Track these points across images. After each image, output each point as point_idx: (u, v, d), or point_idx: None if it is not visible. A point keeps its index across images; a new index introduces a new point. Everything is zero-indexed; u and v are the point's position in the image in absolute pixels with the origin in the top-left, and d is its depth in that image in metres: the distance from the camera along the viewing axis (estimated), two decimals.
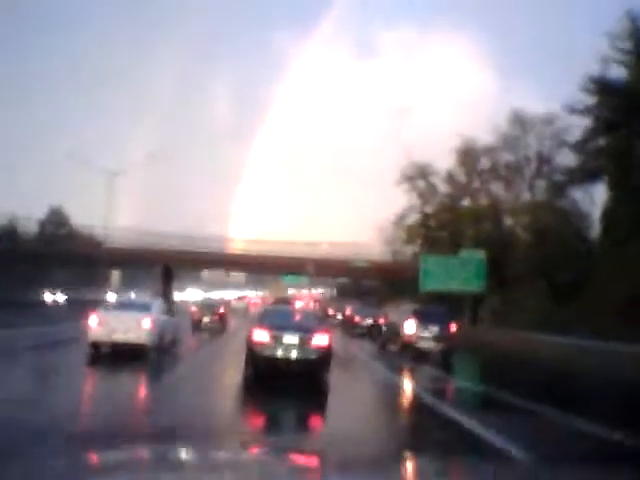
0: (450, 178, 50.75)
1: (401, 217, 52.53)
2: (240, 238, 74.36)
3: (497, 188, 48.99)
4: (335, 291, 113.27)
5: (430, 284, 40.04)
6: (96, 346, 15.79)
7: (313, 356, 12.14)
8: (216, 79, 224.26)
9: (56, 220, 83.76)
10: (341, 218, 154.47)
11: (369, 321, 35.09)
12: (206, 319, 31.31)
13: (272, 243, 62.44)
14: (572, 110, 33.51)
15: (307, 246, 60.69)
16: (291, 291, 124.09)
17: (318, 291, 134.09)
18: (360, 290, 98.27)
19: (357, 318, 37.82)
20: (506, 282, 39.35)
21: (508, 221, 48.05)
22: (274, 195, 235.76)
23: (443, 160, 50.57)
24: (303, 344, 12.09)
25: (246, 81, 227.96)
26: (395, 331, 21.86)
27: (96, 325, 15.67)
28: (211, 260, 61.78)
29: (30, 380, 12.58)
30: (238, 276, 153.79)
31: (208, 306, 33.26)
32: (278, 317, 13.53)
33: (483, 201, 49.42)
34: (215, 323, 31.26)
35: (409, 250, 56.00)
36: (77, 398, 10.57)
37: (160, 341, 16.34)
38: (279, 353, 12.06)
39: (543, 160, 46.42)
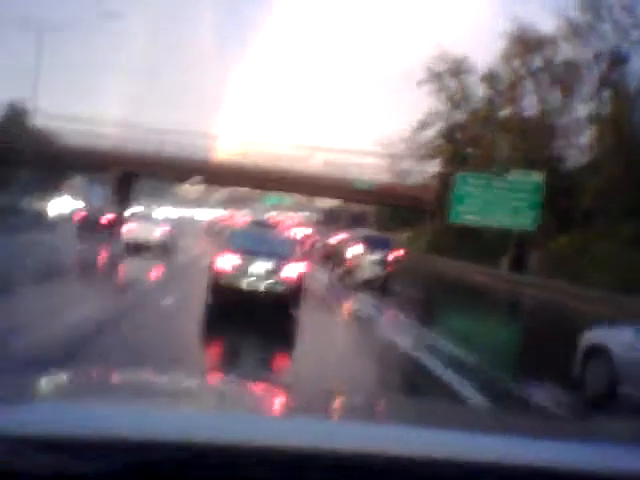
0: (490, 78, 39.04)
1: (422, 125, 41.03)
2: (221, 147, 61.66)
3: (549, 95, 37.52)
4: (322, 216, 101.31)
5: (464, 215, 29.40)
6: (128, 244, 22.76)
7: (284, 288, 10.86)
8: None
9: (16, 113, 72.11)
10: (344, 127, 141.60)
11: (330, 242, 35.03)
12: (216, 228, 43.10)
13: (258, 155, 51.02)
14: None
15: (299, 159, 49.41)
16: (272, 214, 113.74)
17: (303, 215, 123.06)
18: (353, 217, 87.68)
19: (315, 239, 37.42)
20: (570, 221, 28.70)
21: (560, 141, 36.79)
22: (268, 101, 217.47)
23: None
24: (273, 274, 10.86)
25: None
26: (343, 255, 21.84)
27: (128, 231, 23.36)
28: (183, 169, 49.79)
29: None
30: (217, 193, 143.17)
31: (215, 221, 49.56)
32: (247, 241, 12.01)
33: (530, 112, 37.98)
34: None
35: (423, 170, 44.98)
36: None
37: (167, 242, 23.78)
38: (246, 283, 10.81)
39: (619, 59, 34.92)
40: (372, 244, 20.83)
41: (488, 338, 13.64)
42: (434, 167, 43.46)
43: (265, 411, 1.84)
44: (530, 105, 37.54)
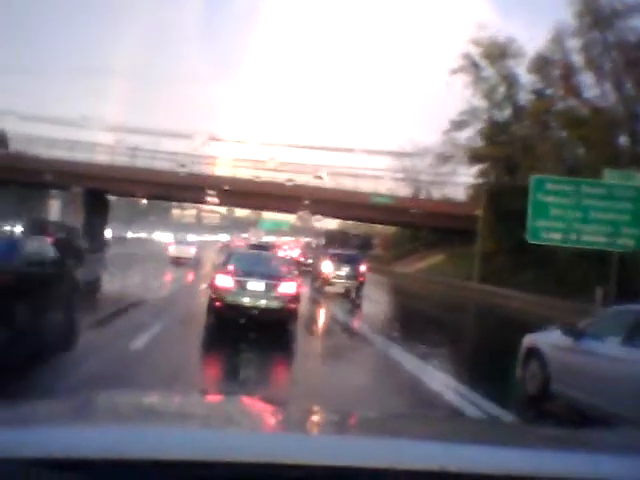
0: (541, 64, 31.29)
1: (456, 125, 33.19)
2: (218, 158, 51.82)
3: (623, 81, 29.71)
4: (324, 240, 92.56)
5: (548, 232, 21.27)
6: (172, 259, 31.75)
7: (279, 305, 11.30)
8: None
9: None
10: (356, 132, 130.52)
11: (310, 261, 36.77)
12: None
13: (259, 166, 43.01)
14: None
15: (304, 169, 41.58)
16: (270, 238, 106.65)
17: (303, 240, 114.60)
18: (358, 240, 79.69)
19: (302, 259, 39.20)
20: None
21: None
22: (268, 103, 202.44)
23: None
24: (269, 292, 11.34)
25: None
26: (318, 270, 24.35)
27: (172, 250, 33.32)
28: (172, 186, 41.31)
29: None
30: (210, 217, 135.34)
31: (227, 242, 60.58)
32: (243, 262, 12.64)
33: (599, 102, 30.07)
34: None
35: (455, 180, 37.19)
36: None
37: (196, 257, 33.08)
38: (243, 301, 11.26)
39: None
40: (342, 260, 23.35)
41: None
42: (468, 176, 35.60)
43: (268, 428, 1.86)
44: (595, 95, 29.71)
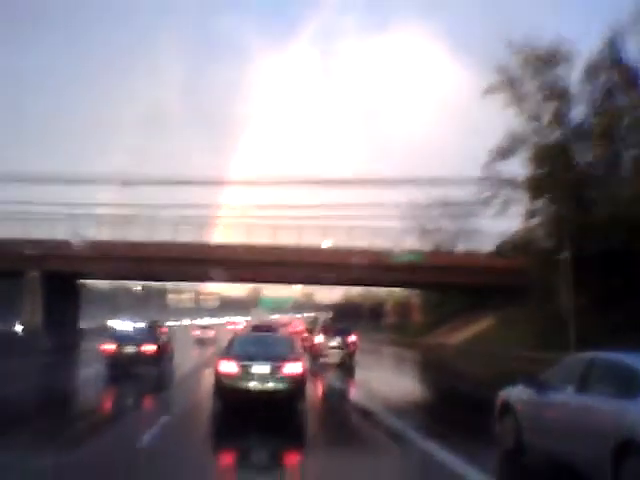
0: (595, 71, 24.84)
1: (500, 154, 26.34)
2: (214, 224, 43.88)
3: None
4: (333, 314, 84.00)
5: None
6: (197, 339, 42.47)
7: (286, 386, 11.05)
8: None
9: None
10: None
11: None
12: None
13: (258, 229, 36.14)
14: None
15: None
16: (274, 317, 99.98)
17: (310, 315, 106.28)
18: (369, 311, 72.10)
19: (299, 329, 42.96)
20: None
21: None
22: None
23: None
24: (275, 374, 11.08)
25: None
26: (313, 343, 26.91)
27: (198, 333, 44.83)
28: (147, 258, 34.19)
29: None
30: (209, 299, 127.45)
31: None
32: (246, 346, 12.43)
33: None
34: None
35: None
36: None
37: (215, 338, 41.51)
38: (249, 385, 11.03)
39: None
40: (334, 332, 26.10)
41: None
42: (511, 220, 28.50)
43: None
44: None
